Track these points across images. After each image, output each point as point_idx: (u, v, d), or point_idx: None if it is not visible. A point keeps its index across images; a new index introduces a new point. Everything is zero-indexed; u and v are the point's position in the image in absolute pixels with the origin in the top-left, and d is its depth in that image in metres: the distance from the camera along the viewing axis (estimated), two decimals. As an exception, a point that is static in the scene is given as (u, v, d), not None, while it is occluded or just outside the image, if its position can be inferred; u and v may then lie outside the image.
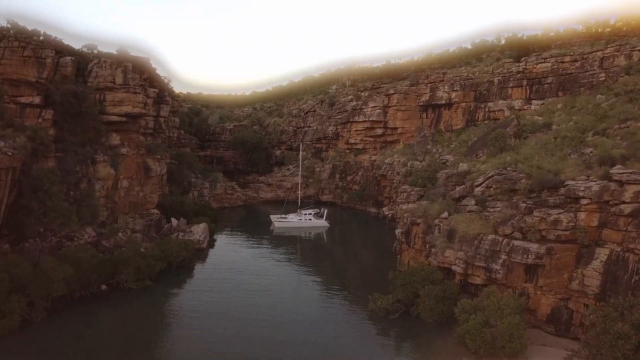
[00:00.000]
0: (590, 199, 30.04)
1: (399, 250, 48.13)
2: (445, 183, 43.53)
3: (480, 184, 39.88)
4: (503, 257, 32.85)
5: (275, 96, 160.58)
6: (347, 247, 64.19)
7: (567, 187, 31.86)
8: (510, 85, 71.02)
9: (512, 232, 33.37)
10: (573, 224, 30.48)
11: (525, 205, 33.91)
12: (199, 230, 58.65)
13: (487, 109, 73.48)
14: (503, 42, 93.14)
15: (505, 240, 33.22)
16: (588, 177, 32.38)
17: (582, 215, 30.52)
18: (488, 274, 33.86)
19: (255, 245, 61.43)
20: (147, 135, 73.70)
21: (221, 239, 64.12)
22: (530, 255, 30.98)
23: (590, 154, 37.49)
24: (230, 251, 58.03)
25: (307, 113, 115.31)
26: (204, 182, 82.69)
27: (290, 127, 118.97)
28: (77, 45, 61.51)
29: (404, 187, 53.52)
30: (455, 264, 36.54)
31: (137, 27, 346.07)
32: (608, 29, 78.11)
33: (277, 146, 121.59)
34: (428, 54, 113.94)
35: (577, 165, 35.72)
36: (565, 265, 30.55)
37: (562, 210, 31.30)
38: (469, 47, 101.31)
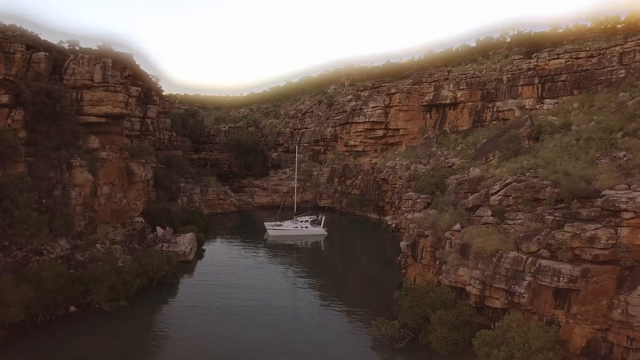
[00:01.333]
0: (635, 212, 25.38)
1: (404, 264, 43.53)
2: (456, 190, 38.92)
3: (496, 192, 35.23)
4: (528, 278, 28.20)
5: (272, 97, 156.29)
6: (347, 257, 59.47)
7: (604, 198, 27.19)
8: (521, 83, 66.43)
9: (539, 250, 28.73)
10: (613, 242, 25.84)
11: (552, 217, 29.28)
12: (185, 241, 53.93)
13: (495, 109, 68.89)
14: (509, 39, 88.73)
15: (530, 259, 28.58)
16: (629, 185, 27.74)
17: (624, 232, 25.87)
18: (509, 298, 29.20)
19: (247, 256, 56.73)
20: (133, 137, 69.35)
21: (211, 249, 59.44)
22: (561, 278, 26.31)
23: (625, 159, 32.87)
24: (219, 263, 53.25)
25: (304, 114, 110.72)
26: (194, 187, 78.02)
27: (287, 129, 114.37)
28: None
29: (408, 193, 48.87)
30: (471, 285, 31.89)
31: (134, 29, 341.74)
32: (620, 25, 73.80)
33: (273, 148, 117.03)
34: (429, 52, 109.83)
35: (611, 171, 31.06)
36: (604, 291, 25.87)
37: (599, 225, 26.65)
38: (474, 44, 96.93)
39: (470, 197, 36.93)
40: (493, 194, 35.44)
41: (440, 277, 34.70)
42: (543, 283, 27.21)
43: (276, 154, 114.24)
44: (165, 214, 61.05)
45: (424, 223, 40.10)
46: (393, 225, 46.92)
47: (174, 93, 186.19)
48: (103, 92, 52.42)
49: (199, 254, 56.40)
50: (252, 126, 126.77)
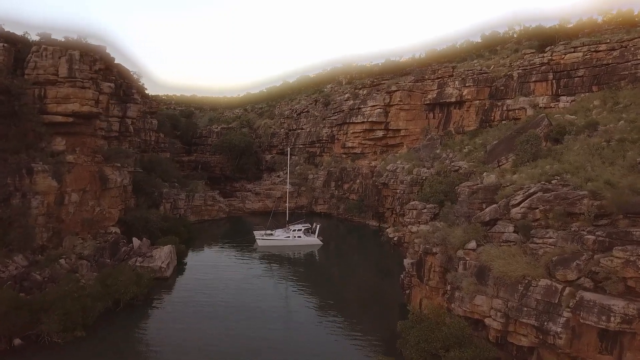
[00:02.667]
0: None
1: (407, 284, 37.82)
2: (470, 200, 33.27)
3: (518, 204, 29.62)
4: (566, 314, 22.54)
5: (269, 97, 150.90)
6: (344, 271, 53.77)
7: (665, 215, 21.60)
8: (533, 79, 60.90)
9: (578, 279, 23.11)
10: (680, 272, 20.27)
11: (594, 238, 23.66)
12: (162, 255, 48.23)
13: (505, 107, 63.33)
14: (516, 35, 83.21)
15: (567, 290, 22.95)
16: (696, 199, 22.19)
17: (694, 259, 20.29)
18: (541, 336, 23.57)
19: (233, 271, 50.98)
20: (111, 139, 63.72)
21: (193, 263, 53.75)
22: (612, 318, 20.67)
23: (677, 164, 27.31)
24: (200, 280, 47.49)
25: (299, 114, 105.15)
26: (179, 192, 72.27)
27: (282, 130, 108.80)
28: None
29: (413, 203, 43.15)
30: (490, 317, 26.27)
31: (133, 30, 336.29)
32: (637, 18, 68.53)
33: (267, 150, 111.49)
34: (431, 50, 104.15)
35: (663, 179, 25.50)
36: (669, 335, 20.28)
37: (660, 250, 21.06)
38: (478, 40, 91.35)
39: (487, 209, 31.28)
40: (515, 206, 29.81)
41: (452, 305, 29.05)
42: (587, 322, 21.56)
43: (270, 156, 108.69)
44: (143, 223, 55.32)
45: (431, 238, 34.44)
46: (395, 239, 41.21)
47: (170, 94, 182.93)
48: (69, 88, 46.84)
49: (179, 269, 50.73)
50: (245, 127, 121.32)
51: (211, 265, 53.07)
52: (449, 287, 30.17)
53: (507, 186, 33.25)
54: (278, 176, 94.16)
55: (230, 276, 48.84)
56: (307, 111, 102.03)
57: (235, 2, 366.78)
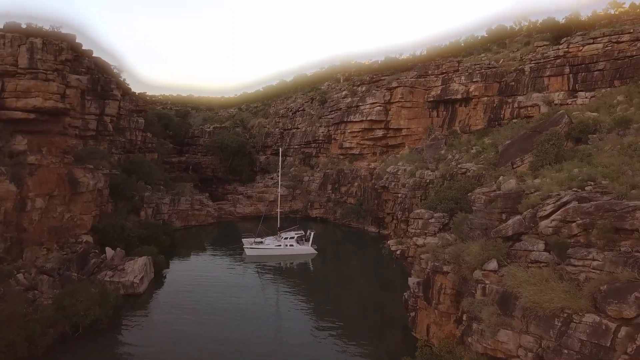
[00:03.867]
0: None
1: (412, 305, 32.64)
2: (488, 210, 28.11)
3: (549, 215, 24.48)
4: (624, 363, 17.42)
5: (265, 97, 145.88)
6: (341, 284, 48.42)
7: None
8: (547, 73, 55.78)
9: (638, 316, 17.95)
10: None
11: (656, 262, 18.52)
12: (136, 267, 42.98)
13: (516, 105, 58.20)
14: (524, 29, 78.01)
15: (624, 331, 17.81)
16: None
17: None
18: (588, 388, 18.42)
19: (217, 285, 45.63)
20: (87, 138, 58.62)
21: (172, 276, 48.45)
22: (692, 373, 15.53)
23: None
24: (179, 296, 42.23)
25: (295, 113, 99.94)
26: (163, 195, 66.98)
27: (277, 129, 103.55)
28: None
29: (418, 211, 37.88)
30: (519, 357, 21.15)
31: (131, 29, 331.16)
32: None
33: (262, 151, 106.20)
34: (432, 47, 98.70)
35: None
36: None
37: None
38: (484, 35, 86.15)
39: (510, 222, 26.07)
40: (544, 218, 24.66)
41: (469, 338, 23.85)
42: (654, 376, 16.42)
43: (264, 156, 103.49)
44: (119, 230, 50.05)
45: (441, 254, 29.34)
46: (398, 252, 35.99)
47: (167, 94, 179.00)
48: (30, 81, 41.65)
49: (157, 282, 45.45)
50: (239, 126, 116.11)
51: (193, 278, 47.73)
52: (464, 317, 24.98)
53: (531, 193, 28.09)
54: (272, 178, 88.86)
55: (214, 291, 43.56)
56: (303, 110, 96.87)
57: (233, 2, 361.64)
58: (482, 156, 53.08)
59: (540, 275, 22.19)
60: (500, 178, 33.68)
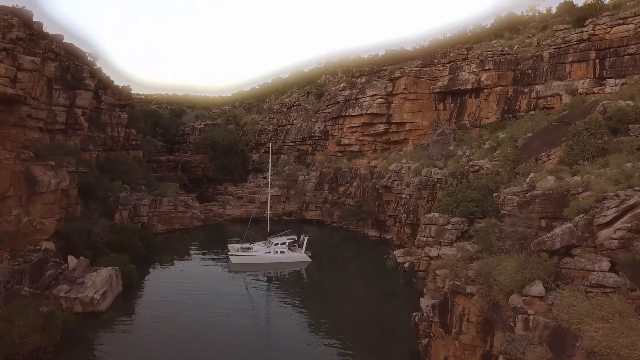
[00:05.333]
0: None
1: (424, 331, 26.50)
2: (525, 215, 22.02)
3: (611, 222, 18.41)
4: None
5: (261, 94, 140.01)
6: (338, 298, 42.35)
7: None
8: (570, 59, 49.76)
9: None
10: None
11: None
12: (98, 281, 36.80)
13: (533, 95, 52.17)
14: (538, 14, 71.99)
15: None
16: None
17: None
18: None
19: (196, 300, 39.38)
20: (55, 132, 52.47)
21: (144, 290, 42.28)
22: None
23: None
24: (149, 313, 36.19)
25: (290, 108, 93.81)
26: (142, 196, 60.75)
27: (271, 126, 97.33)
28: None
29: (431, 215, 31.61)
30: (583, 423, 15.06)
31: (124, 25, 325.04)
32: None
33: (255, 149, 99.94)
34: (435, 40, 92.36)
35: None
36: None
37: None
38: (492, 23, 79.93)
39: (557, 231, 19.90)
40: (605, 226, 18.55)
41: (507, 387, 17.79)
42: None
43: (258, 155, 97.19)
44: (85, 236, 43.90)
45: (462, 270, 23.25)
46: (406, 265, 29.83)
47: (163, 93, 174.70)
48: (-28, 62, 35.47)
49: (124, 297, 39.26)
50: (231, 123, 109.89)
51: (169, 291, 41.55)
52: (500, 358, 18.89)
53: (579, 193, 22.01)
54: (264, 177, 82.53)
55: (193, 306, 37.49)
56: (298, 104, 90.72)
57: (230, 1, 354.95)
58: (497, 152, 47.00)
59: (611, 306, 16.05)
60: (532, 174, 27.54)
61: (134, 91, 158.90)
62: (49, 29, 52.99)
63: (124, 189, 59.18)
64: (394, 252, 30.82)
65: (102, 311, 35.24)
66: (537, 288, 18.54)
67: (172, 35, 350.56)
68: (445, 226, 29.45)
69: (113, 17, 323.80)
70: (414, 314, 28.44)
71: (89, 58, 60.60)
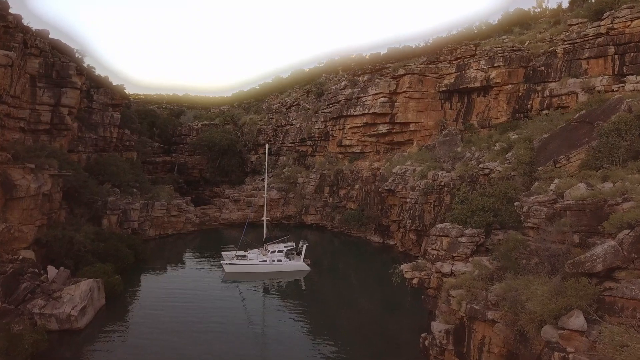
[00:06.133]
0: None
1: (435, 358, 23.36)
2: (557, 229, 18.94)
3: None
4: None
5: (261, 94, 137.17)
6: (339, 305, 39.19)
7: None
8: (586, 55, 46.67)
9: None
10: None
11: None
12: (77, 294, 33.73)
13: (547, 93, 49.06)
14: (549, 10, 68.77)
15: None
16: None
17: None
18: None
19: (186, 315, 36.35)
20: (39, 132, 49.56)
21: (130, 301, 39.20)
22: None
23: None
24: (133, 331, 33.17)
25: (289, 107, 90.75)
26: (133, 200, 57.71)
27: (270, 126, 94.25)
28: None
29: (442, 226, 28.47)
30: None
31: (123, 25, 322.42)
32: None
33: (253, 150, 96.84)
34: (439, 38, 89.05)
35: None
36: None
37: None
38: (500, 19, 76.70)
39: (598, 250, 16.74)
40: (657, 245, 15.47)
41: None
42: None
43: (256, 156, 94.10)
44: (66, 244, 40.87)
45: (480, 292, 20.17)
46: (414, 281, 26.73)
47: (163, 94, 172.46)
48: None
49: (107, 312, 36.18)
50: (229, 123, 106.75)
51: (155, 305, 38.43)
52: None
53: (618, 204, 18.92)
54: (262, 180, 79.48)
55: (181, 323, 34.39)
56: (298, 104, 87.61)
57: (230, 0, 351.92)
58: (509, 154, 43.94)
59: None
60: (556, 180, 24.43)
61: (133, 92, 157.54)
62: (41, 27, 50.42)
63: (113, 192, 56.18)
64: (401, 266, 27.68)
65: (80, 329, 32.20)
66: (578, 320, 15.46)
67: (172, 36, 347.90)
68: (459, 239, 26.36)
69: (114, 17, 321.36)
70: (423, 334, 25.41)
71: (76, 55, 57.59)
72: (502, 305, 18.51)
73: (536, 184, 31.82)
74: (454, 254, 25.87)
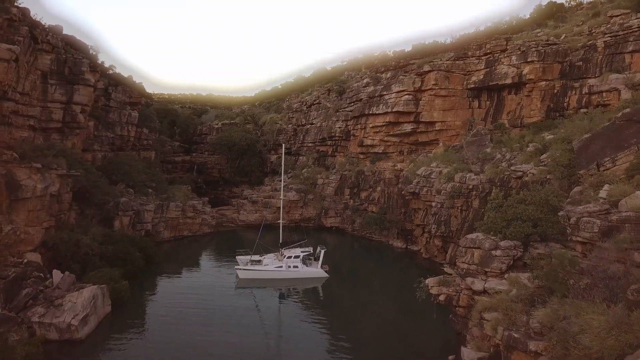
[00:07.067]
0: None
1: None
2: (615, 245, 15.92)
3: None
4: None
5: (282, 94, 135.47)
6: (360, 315, 36.41)
7: None
8: (630, 49, 42.94)
9: None
10: None
11: None
12: (79, 302, 31.84)
13: (585, 90, 45.44)
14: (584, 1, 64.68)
15: None
16: None
17: None
18: None
19: (196, 321, 34.25)
20: (50, 131, 48.23)
21: (138, 309, 37.11)
22: None
23: None
24: (135, 341, 31.13)
25: (310, 106, 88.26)
26: (147, 201, 56.03)
27: (290, 126, 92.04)
28: None
29: (473, 236, 25.45)
30: None
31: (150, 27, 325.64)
32: None
33: (273, 149, 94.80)
34: (465, 35, 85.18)
35: None
36: None
37: None
38: (532, 14, 72.77)
39: (672, 274, 13.80)
40: None
41: None
42: None
43: (276, 156, 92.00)
44: (73, 247, 39.18)
45: (519, 316, 17.26)
46: (441, 298, 23.86)
47: (186, 93, 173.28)
48: None
49: (113, 320, 34.23)
50: (250, 123, 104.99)
51: (163, 312, 36.33)
52: None
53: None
54: (281, 180, 77.39)
55: (189, 333, 32.23)
56: (319, 102, 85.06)
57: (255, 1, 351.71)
58: (543, 155, 40.56)
59: None
60: (606, 187, 21.31)
61: (158, 91, 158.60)
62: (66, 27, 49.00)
63: (126, 192, 54.59)
64: (426, 280, 24.82)
65: (81, 339, 30.24)
66: (649, 362, 12.47)
67: (199, 36, 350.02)
68: (493, 251, 23.36)
69: (147, 18, 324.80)
70: (450, 357, 22.61)
71: (91, 51, 56.19)
72: (548, 335, 15.61)
73: (576, 188, 28.62)
74: (486, 269, 22.93)
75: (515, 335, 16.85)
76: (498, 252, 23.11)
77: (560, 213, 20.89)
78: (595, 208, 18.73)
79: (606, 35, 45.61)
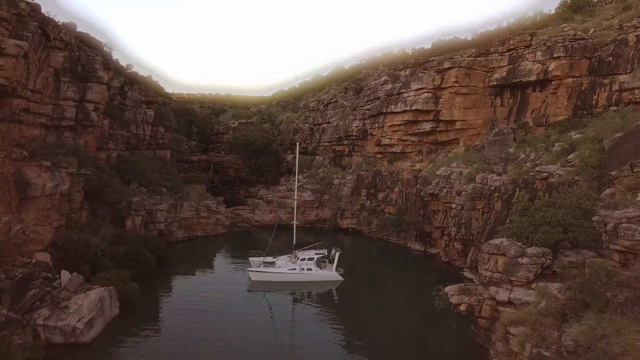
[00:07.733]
0: None
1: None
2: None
3: None
4: None
5: (301, 93, 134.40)
6: (376, 321, 34.83)
7: None
8: (664, 42, 40.54)
9: None
10: None
11: None
12: (86, 304, 30.98)
13: (615, 87, 43.09)
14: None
15: None
16: None
17: None
18: None
19: (203, 325, 33.17)
20: (62, 129, 47.73)
21: (146, 312, 36.10)
22: None
23: None
24: (142, 346, 30.12)
25: (327, 105, 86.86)
26: (160, 200, 55.26)
27: (306, 125, 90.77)
28: None
29: (496, 242, 23.64)
30: None
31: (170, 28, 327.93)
32: None
33: (289, 149, 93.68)
34: (485, 32, 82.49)
35: None
36: None
37: None
38: (558, 7, 69.94)
39: None
40: None
41: None
42: None
43: (292, 155, 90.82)
44: (82, 247, 38.45)
45: (549, 332, 15.57)
46: (462, 308, 22.21)
47: (205, 93, 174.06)
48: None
49: (120, 323, 33.33)
50: (266, 122, 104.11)
51: (173, 315, 35.30)
52: None
53: None
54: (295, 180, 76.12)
55: (195, 339, 31.13)
56: (336, 101, 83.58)
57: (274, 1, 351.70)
58: (571, 155, 38.49)
59: None
60: (645, 191, 19.41)
61: (177, 91, 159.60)
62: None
63: (140, 192, 53.88)
64: (446, 288, 23.17)
65: (86, 343, 29.35)
66: None
67: (219, 37, 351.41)
68: (519, 259, 21.58)
69: (164, 19, 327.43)
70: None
71: (105, 49, 55.67)
72: (584, 356, 13.92)
73: (607, 190, 26.65)
74: (512, 278, 21.19)
75: (546, 354, 15.19)
76: (525, 260, 21.27)
77: (595, 218, 19.08)
78: (635, 213, 16.94)
79: (638, 29, 43.22)
